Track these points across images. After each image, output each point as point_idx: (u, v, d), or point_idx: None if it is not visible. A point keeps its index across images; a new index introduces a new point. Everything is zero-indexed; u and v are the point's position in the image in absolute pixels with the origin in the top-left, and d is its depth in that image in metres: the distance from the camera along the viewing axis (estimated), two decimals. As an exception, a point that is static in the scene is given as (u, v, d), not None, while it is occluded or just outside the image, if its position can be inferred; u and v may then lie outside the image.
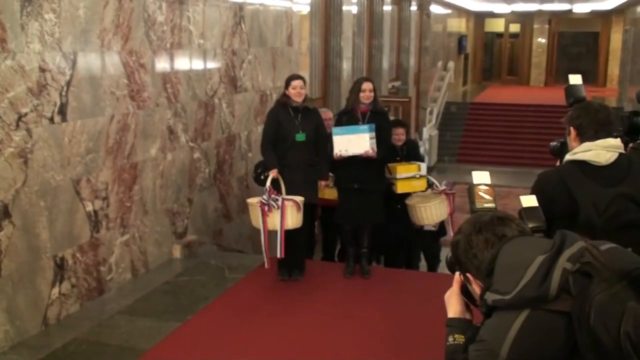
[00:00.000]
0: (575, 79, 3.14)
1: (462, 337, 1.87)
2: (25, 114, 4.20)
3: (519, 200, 2.35)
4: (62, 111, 4.50)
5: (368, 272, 5.68)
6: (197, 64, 6.21)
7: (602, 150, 2.59)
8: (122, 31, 5.07)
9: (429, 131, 15.43)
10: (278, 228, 5.18)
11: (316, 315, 4.92)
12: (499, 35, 28.02)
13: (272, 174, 5.31)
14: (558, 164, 3.03)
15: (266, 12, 7.52)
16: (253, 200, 5.31)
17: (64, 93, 4.51)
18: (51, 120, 4.41)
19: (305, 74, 9.20)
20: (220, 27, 6.53)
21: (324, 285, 5.54)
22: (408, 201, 5.79)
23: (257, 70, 7.36)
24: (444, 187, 5.93)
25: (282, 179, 5.35)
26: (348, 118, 5.61)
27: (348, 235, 5.80)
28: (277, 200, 5.14)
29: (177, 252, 5.99)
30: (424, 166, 5.90)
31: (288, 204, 5.17)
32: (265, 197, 5.17)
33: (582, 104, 2.83)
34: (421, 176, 5.82)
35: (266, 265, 5.37)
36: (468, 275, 1.78)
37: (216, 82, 6.54)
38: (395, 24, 14.70)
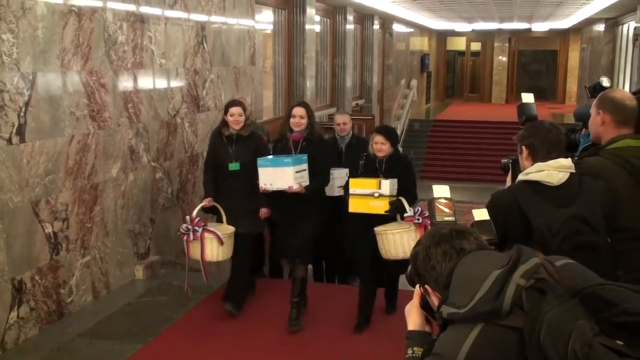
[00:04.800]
0: (527, 97, 3.17)
1: (421, 349, 1.88)
2: (-18, 135, 4.14)
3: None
4: (20, 132, 4.45)
5: (296, 324, 4.94)
6: (159, 84, 6.19)
7: (554, 171, 2.62)
8: (82, 51, 5.03)
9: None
10: (199, 259, 4.95)
11: (281, 334, 4.90)
12: (461, 53, 28.45)
13: (204, 202, 5.10)
14: (508, 179, 3.06)
15: (229, 32, 7.53)
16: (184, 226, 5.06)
17: (22, 114, 4.45)
18: (9, 141, 4.35)
19: (269, 92, 9.24)
20: (182, 46, 6.53)
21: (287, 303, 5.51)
22: (376, 227, 4.73)
23: (219, 90, 7.36)
24: (410, 214, 4.68)
25: (221, 207, 5.11)
26: (281, 146, 5.12)
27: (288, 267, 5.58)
28: (196, 231, 4.87)
29: (139, 272, 5.92)
30: (386, 184, 4.66)
31: (208, 236, 4.86)
32: (184, 226, 4.93)
33: (533, 123, 2.86)
34: (381, 195, 4.68)
35: (186, 289, 5.19)
36: (427, 287, 1.79)
37: (178, 101, 6.51)
38: (358, 43, 14.84)
